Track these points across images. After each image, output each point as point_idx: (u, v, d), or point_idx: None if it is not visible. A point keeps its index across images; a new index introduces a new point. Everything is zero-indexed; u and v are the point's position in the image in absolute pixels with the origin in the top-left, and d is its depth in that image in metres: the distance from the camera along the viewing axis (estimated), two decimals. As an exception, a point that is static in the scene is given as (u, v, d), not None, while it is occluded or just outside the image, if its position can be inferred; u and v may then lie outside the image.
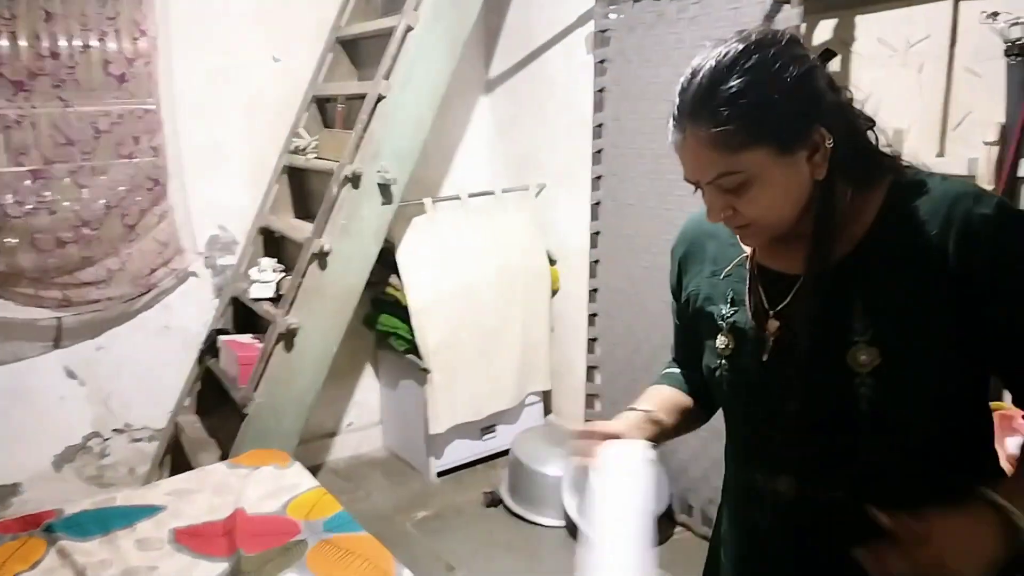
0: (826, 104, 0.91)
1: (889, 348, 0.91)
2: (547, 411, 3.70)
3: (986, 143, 2.20)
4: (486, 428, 3.46)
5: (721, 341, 1.06)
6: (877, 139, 0.99)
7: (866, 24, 2.49)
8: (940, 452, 0.97)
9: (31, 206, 2.62)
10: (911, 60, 2.40)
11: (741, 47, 0.90)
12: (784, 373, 0.99)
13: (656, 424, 1.14)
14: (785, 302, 1.00)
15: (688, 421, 1.22)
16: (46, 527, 1.95)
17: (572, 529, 2.88)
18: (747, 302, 1.04)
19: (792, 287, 1.00)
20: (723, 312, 1.07)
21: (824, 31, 2.61)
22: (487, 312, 3.31)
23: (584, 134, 3.17)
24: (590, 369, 3.30)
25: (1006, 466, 1.06)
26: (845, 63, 2.57)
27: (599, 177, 3.11)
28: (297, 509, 2.01)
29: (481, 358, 3.31)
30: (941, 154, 2.36)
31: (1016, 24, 2.11)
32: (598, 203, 3.13)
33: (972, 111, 2.28)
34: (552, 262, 3.52)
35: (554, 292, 3.55)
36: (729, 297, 1.07)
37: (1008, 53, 2.14)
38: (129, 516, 2.00)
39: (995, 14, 2.18)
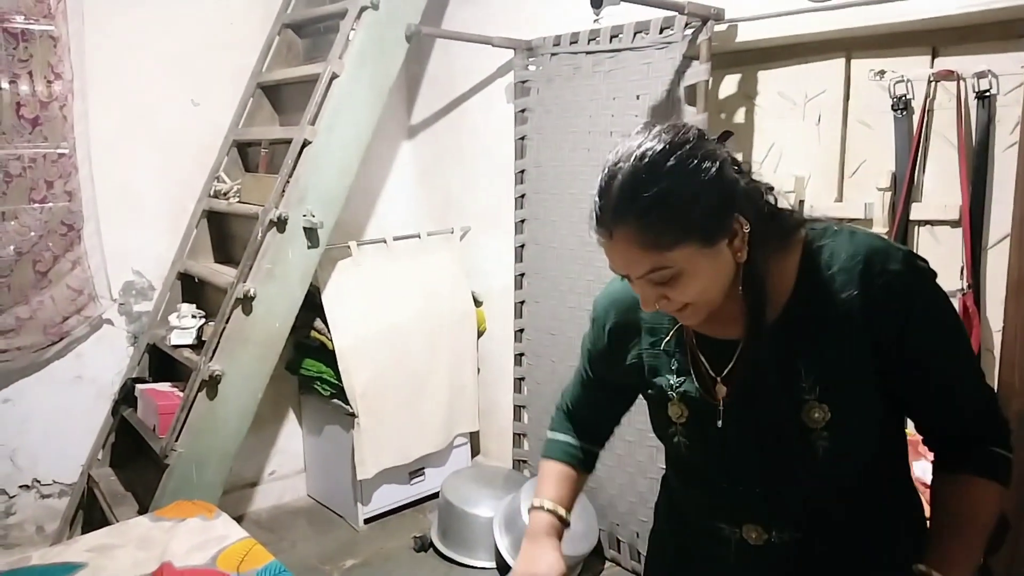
0: (738, 191, 0.97)
1: (837, 403, 1.00)
2: (475, 452, 3.71)
3: (879, 189, 2.39)
4: (414, 472, 3.45)
5: (674, 411, 1.12)
6: (776, 201, 1.06)
7: (767, 79, 2.68)
8: (876, 477, 1.07)
9: (-64, 253, 2.51)
10: (810, 112, 2.59)
11: (658, 149, 0.94)
12: (741, 434, 1.06)
13: (563, 520, 1.24)
14: (729, 367, 1.07)
15: (579, 492, 1.32)
16: (-46, 592, 1.84)
17: (503, 569, 2.89)
18: (691, 371, 1.10)
19: (731, 351, 1.07)
20: (671, 382, 1.12)
21: (730, 85, 2.79)
22: (414, 354, 3.32)
23: (507, 179, 3.26)
24: (518, 408, 3.34)
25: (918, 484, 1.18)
26: (749, 115, 2.75)
27: (523, 221, 3.20)
28: (227, 561, 1.96)
29: (409, 401, 3.31)
30: (839, 199, 2.54)
31: (900, 82, 2.33)
32: (523, 246, 3.21)
33: (866, 159, 2.47)
34: (478, 304, 3.57)
35: (480, 333, 3.60)
36: (674, 367, 1.12)
37: (894, 108, 2.35)
38: (46, 576, 1.91)
39: (882, 72, 2.39)
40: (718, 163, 0.94)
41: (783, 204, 1.07)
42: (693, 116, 2.51)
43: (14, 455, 2.89)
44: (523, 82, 3.13)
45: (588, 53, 2.86)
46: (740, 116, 2.79)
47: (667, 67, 2.60)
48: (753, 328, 1.02)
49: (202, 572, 1.92)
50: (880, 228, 2.38)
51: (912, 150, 2.30)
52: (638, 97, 2.70)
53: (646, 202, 0.92)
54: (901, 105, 2.34)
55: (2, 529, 2.90)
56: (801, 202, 2.61)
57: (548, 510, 1.23)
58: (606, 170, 0.97)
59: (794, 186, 2.62)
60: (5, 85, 2.58)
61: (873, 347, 0.99)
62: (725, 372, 1.07)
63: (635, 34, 2.70)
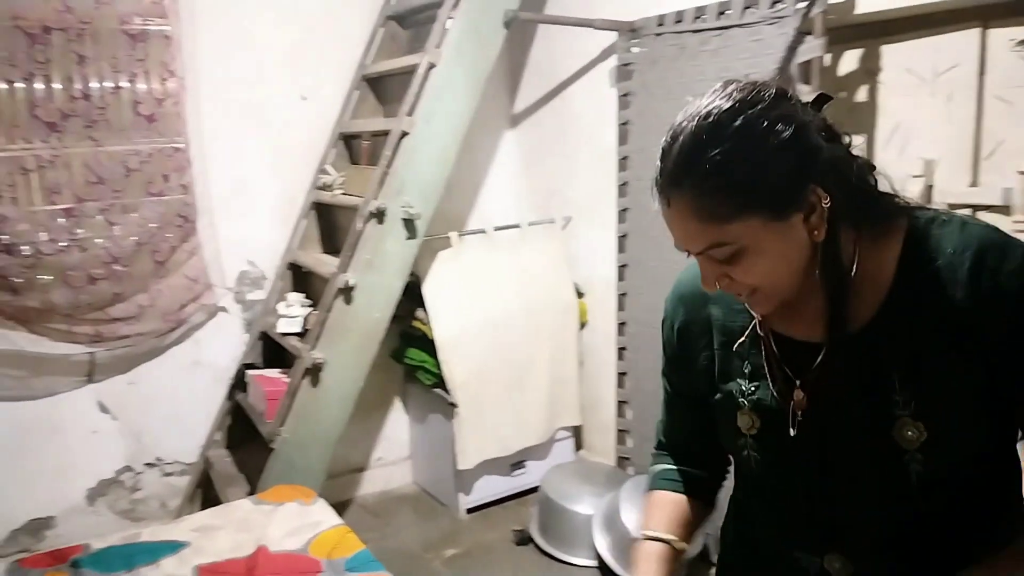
0: (821, 160, 0.85)
1: (935, 421, 0.86)
2: (578, 446, 3.65)
3: (1020, 172, 2.15)
4: (516, 464, 3.43)
5: (744, 421, 1.00)
6: (876, 183, 0.93)
7: (892, 53, 2.47)
8: (981, 506, 0.92)
9: (64, 244, 2.68)
10: (940, 89, 2.36)
11: (726, 108, 0.83)
12: (821, 451, 0.94)
13: (677, 552, 1.10)
14: (811, 372, 0.94)
15: (697, 524, 1.16)
16: (72, 562, 1.96)
17: (604, 569, 2.82)
18: (767, 375, 0.98)
19: (812, 354, 0.94)
20: (743, 388, 1.00)
21: (850, 61, 2.59)
22: (514, 346, 3.29)
23: (609, 167, 3.17)
24: (620, 404, 3.26)
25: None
26: (872, 93, 2.54)
27: (625, 209, 3.10)
28: (319, 547, 2.00)
29: (509, 392, 3.29)
30: (974, 184, 2.31)
31: (1047, 50, 2.08)
32: (624, 235, 3.12)
33: (1005, 140, 2.23)
34: (580, 295, 3.50)
35: (583, 325, 3.53)
36: (747, 371, 1.00)
37: (1039, 80, 2.10)
38: (154, 552, 2.01)
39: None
40: (794, 126, 0.83)
41: (885, 187, 0.93)
42: (807, 95, 2.34)
43: (140, 434, 3.07)
44: (626, 65, 3.02)
45: (694, 32, 2.73)
46: (862, 94, 2.58)
47: (779, 43, 2.44)
48: (833, 323, 0.90)
49: (295, 557, 1.97)
50: (1020, 215, 2.14)
51: (1059, 127, 2.06)
52: (747, 76, 2.55)
53: (705, 167, 0.82)
54: (1047, 77, 2.09)
55: (130, 504, 3.09)
56: (930, 188, 2.39)
57: (651, 538, 1.10)
58: (671, 131, 0.87)
59: (922, 170, 2.40)
60: (124, 84, 2.72)
61: (981, 357, 0.85)
62: (807, 377, 0.94)
63: (744, 9, 2.55)
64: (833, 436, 0.92)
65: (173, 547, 2.03)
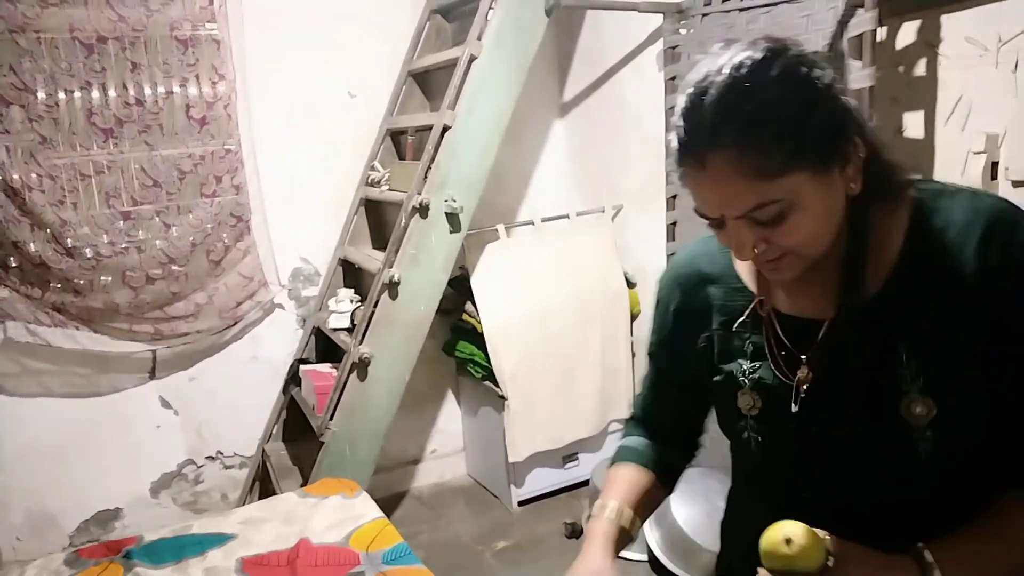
0: (856, 112, 0.82)
1: (944, 397, 0.82)
2: (631, 438, 3.59)
3: (1092, 144, 2.00)
4: (568, 456, 3.40)
5: (745, 402, 0.96)
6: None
7: (953, 23, 2.32)
8: (990, 482, 0.87)
9: (123, 246, 2.78)
10: (1005, 58, 2.21)
11: (759, 57, 0.78)
12: (822, 428, 0.89)
13: (625, 530, 1.06)
14: (817, 347, 0.90)
15: (654, 502, 1.14)
16: (125, 553, 2.03)
17: (654, 563, 2.77)
18: (768, 354, 0.94)
19: (815, 332, 0.90)
20: (744, 368, 0.96)
21: (907, 34, 2.45)
22: (565, 337, 3.26)
23: (658, 153, 3.09)
24: (671, 395, 3.19)
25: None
26: (932, 66, 2.40)
27: (674, 196, 3.02)
28: (359, 540, 2.02)
29: (560, 384, 3.26)
30: (1043, 158, 2.16)
31: (1120, 12, 1.92)
32: (674, 223, 3.04)
33: (1076, 110, 2.08)
34: (631, 285, 3.44)
35: (635, 316, 3.47)
36: (748, 351, 0.96)
37: (1114, 44, 1.95)
38: (202, 544, 2.06)
39: (1097, 2, 1.99)
40: (830, 75, 0.79)
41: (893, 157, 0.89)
42: (860, 71, 2.24)
43: (200, 428, 3.17)
44: (673, 48, 2.94)
45: (741, 10, 2.64)
46: (921, 68, 2.44)
47: (829, 17, 2.34)
48: (849, 288, 0.85)
49: (335, 550, 1.99)
50: (1094, 191, 1.99)
51: None
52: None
53: (747, 118, 0.76)
54: (1122, 41, 1.93)
55: (192, 495, 3.20)
56: (994, 164, 2.25)
57: (606, 518, 1.06)
58: (692, 88, 0.80)
59: (985, 145, 2.26)
60: (176, 89, 2.80)
61: (987, 330, 0.80)
62: (810, 353, 0.90)
63: (792, -16, 2.45)
64: (838, 414, 0.88)
65: (220, 539, 2.07)
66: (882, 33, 2.43)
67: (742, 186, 0.78)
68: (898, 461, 0.85)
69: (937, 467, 0.84)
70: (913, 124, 2.43)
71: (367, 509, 2.19)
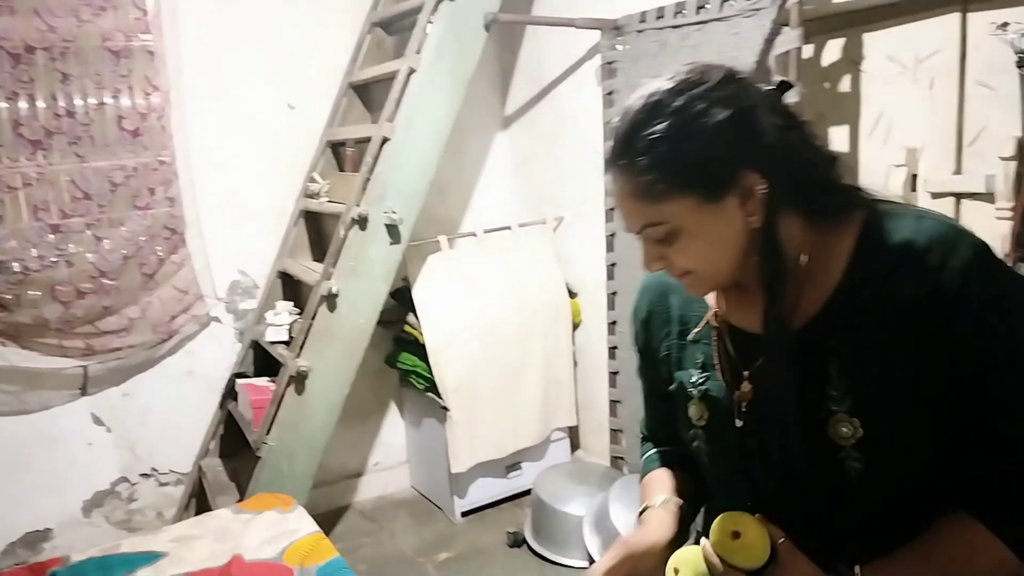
0: (763, 146, 0.84)
1: (871, 419, 0.84)
2: (574, 447, 3.63)
3: (1003, 158, 2.09)
4: (511, 466, 3.41)
5: (694, 411, 0.99)
6: (837, 174, 0.92)
7: (874, 41, 2.42)
8: (927, 505, 0.89)
9: (52, 259, 2.70)
10: (922, 76, 2.31)
11: (666, 88, 0.85)
12: (762, 446, 0.92)
13: (676, 510, 1.06)
14: (757, 364, 0.93)
15: (693, 491, 1.12)
16: (50, 575, 1.97)
17: (594, 570, 2.79)
18: (717, 366, 0.97)
19: (760, 348, 0.93)
20: (693, 379, 0.99)
21: (832, 51, 2.54)
22: (507, 348, 3.27)
23: (597, 165, 3.15)
24: (613, 403, 3.23)
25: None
26: (855, 82, 2.49)
27: (612, 208, 3.07)
28: (293, 555, 2.00)
29: (503, 395, 3.27)
30: (958, 171, 2.26)
31: (1024, 34, 2.02)
32: (612, 234, 3.09)
33: (987, 126, 2.17)
34: (573, 295, 3.47)
35: (576, 325, 3.50)
36: (699, 362, 0.99)
37: (1021, 65, 2.04)
38: (131, 563, 2.01)
39: (1005, 24, 2.08)
40: (734, 109, 0.83)
41: (848, 180, 0.93)
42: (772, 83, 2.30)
43: (134, 445, 3.09)
44: (610, 63, 3.00)
45: (674, 27, 2.70)
46: (845, 84, 2.53)
47: (756, 36, 2.40)
48: (769, 314, 0.88)
49: (269, 566, 1.96)
50: (1003, 202, 2.08)
51: (1041, 112, 2.00)
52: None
53: (642, 145, 0.85)
54: (1027, 60, 2.03)
55: (126, 514, 3.12)
56: (913, 176, 2.34)
57: (652, 505, 1.07)
58: (622, 111, 0.89)
59: (905, 158, 2.35)
60: (108, 100, 2.75)
61: (923, 354, 0.82)
62: (754, 369, 0.93)
63: (722, 3, 2.52)
64: (774, 431, 0.90)
65: (150, 558, 2.03)
66: (808, 51, 2.52)
67: (634, 205, 0.88)
68: (829, 480, 0.87)
69: (868, 487, 0.85)
70: (838, 138, 2.52)
71: (302, 524, 2.17)
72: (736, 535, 0.83)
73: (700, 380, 0.99)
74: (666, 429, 1.15)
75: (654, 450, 1.20)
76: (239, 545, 2.05)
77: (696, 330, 1.00)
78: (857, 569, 0.84)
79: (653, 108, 0.85)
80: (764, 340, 0.91)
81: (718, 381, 0.97)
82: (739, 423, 0.94)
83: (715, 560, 0.84)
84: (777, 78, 2.24)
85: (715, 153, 0.83)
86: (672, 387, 1.04)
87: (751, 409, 0.93)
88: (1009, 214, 2.06)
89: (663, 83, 0.86)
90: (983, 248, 0.83)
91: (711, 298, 1.01)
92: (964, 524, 0.83)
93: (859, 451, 0.84)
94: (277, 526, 2.15)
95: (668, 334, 1.06)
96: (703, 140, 0.83)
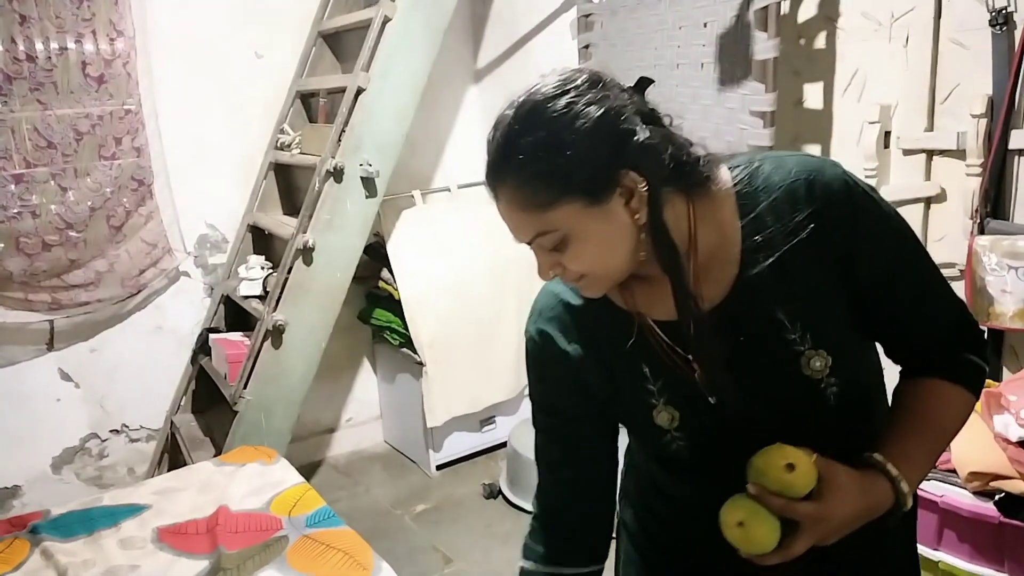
0: (633, 145, 0.85)
1: (834, 345, 0.90)
2: (546, 401, 3.67)
3: (974, 115, 2.14)
4: (485, 420, 3.45)
5: (663, 419, 0.97)
6: (694, 155, 0.93)
7: (851, -2, 2.44)
8: (876, 410, 1.00)
9: (15, 210, 2.62)
10: (897, 33, 2.34)
11: (537, 96, 0.85)
12: (745, 412, 0.93)
13: None
14: (692, 347, 0.94)
15: None
16: (32, 528, 1.96)
17: None
18: (665, 365, 0.96)
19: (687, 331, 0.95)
20: (650, 389, 0.97)
21: (809, 7, 2.56)
22: (482, 303, 3.29)
23: (572, 120, 3.14)
24: (585, 357, 3.27)
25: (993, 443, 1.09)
26: (831, 39, 2.52)
27: (587, 163, 3.08)
28: (280, 505, 2.01)
29: (477, 349, 3.29)
30: (930, 128, 2.30)
31: (999, -9, 2.06)
32: (587, 190, 3.10)
33: (960, 83, 2.22)
34: (546, 251, 3.49)
35: (549, 281, 3.52)
36: (647, 371, 0.97)
37: (993, 23, 2.08)
38: (114, 516, 2.00)
39: (979, -18, 2.13)
40: (603, 110, 0.84)
41: (698, 152, 0.93)
42: (764, 42, 2.32)
43: (103, 401, 3.05)
44: (586, 16, 2.97)
45: (653, -19, 2.69)
46: (820, 41, 2.56)
47: (735, -10, 2.40)
48: (677, 295, 0.89)
49: (256, 516, 1.97)
50: (974, 159, 2.14)
51: (1013, 70, 2.05)
52: (705, 25, 2.52)
53: (520, 156, 0.84)
54: (1001, 19, 2.06)
55: (97, 470, 3.08)
56: (887, 133, 2.39)
57: None
58: (495, 121, 0.88)
59: (879, 116, 2.39)
60: (71, 45, 2.65)
61: (836, 270, 0.91)
62: (692, 351, 0.94)
63: (701, -44, 2.51)
64: (749, 394, 0.93)
65: (133, 510, 2.02)
66: (785, 7, 2.53)
67: (522, 216, 0.87)
68: (811, 413, 0.92)
69: (846, 409, 0.93)
70: (813, 95, 2.55)
71: (287, 475, 2.18)
72: (790, 467, 0.85)
73: (658, 387, 0.96)
74: (571, 496, 1.08)
75: (531, 564, 1.09)
76: (224, 496, 2.05)
77: (632, 340, 0.97)
78: (878, 459, 0.89)
79: (526, 117, 0.85)
80: (682, 322, 0.92)
81: (675, 378, 0.95)
82: (712, 400, 0.94)
83: (775, 501, 0.84)
84: (770, 39, 2.27)
85: (594, 155, 0.83)
86: (625, 409, 1.01)
87: (717, 386, 0.94)
88: (979, 171, 2.12)
89: (533, 92, 0.86)
90: (840, 166, 0.92)
91: (621, 302, 0.98)
92: (933, 386, 0.95)
93: (834, 376, 0.91)
94: (261, 477, 2.16)
95: (597, 354, 1.00)
96: (581, 144, 0.83)
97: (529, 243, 0.89)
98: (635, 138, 0.85)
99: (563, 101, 0.84)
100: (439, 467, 3.35)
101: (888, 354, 1.01)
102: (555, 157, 0.83)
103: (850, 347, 0.93)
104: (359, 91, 2.66)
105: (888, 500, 0.88)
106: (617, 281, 0.93)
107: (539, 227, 0.86)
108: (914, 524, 1.10)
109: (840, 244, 0.90)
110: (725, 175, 0.94)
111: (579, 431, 1.06)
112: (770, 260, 0.91)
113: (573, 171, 0.83)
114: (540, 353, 1.04)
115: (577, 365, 1.01)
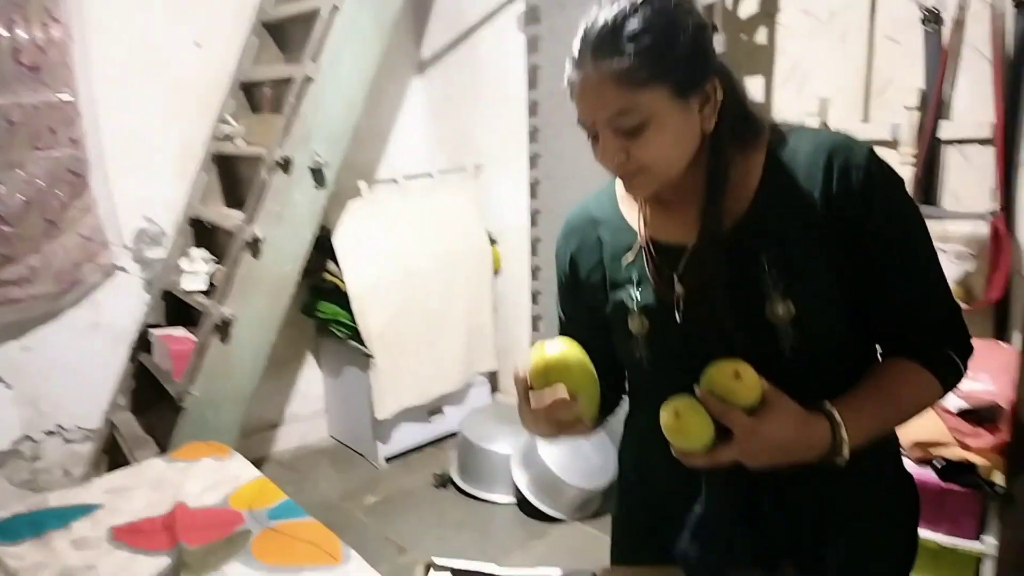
0: (718, 61, 0.96)
1: (803, 299, 0.96)
2: (494, 390, 3.70)
3: (907, 108, 2.26)
4: (433, 411, 3.45)
5: (635, 325, 1.07)
6: (754, 104, 1.04)
7: (790, -6, 2.53)
8: (845, 371, 1.03)
9: (-57, 203, 2.49)
10: (834, 29, 2.45)
11: None
12: (704, 340, 1.01)
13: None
14: (682, 266, 1.03)
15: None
16: (-26, 535, 1.87)
17: (523, 504, 2.89)
18: (650, 278, 1.06)
19: (684, 255, 1.04)
20: (632, 295, 1.08)
21: (751, 4, 2.65)
22: (429, 295, 3.29)
23: (519, 113, 3.17)
24: (534, 347, 3.31)
25: (934, 415, 1.12)
26: (772, 35, 2.61)
27: (536, 155, 3.11)
28: (240, 500, 1.97)
29: (425, 341, 3.29)
30: (865, 120, 2.42)
31: (930, -8, 2.17)
32: (536, 181, 3.14)
33: (893, 78, 2.34)
34: (493, 242, 3.51)
35: (496, 272, 3.55)
36: (634, 280, 1.08)
37: (924, 21, 2.21)
38: (63, 516, 1.92)
39: (911, -18, 2.24)
40: (702, 22, 0.94)
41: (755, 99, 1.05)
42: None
43: (37, 401, 2.92)
44: (533, 8, 3.00)
45: (599, -25, 2.73)
46: (762, 36, 2.65)
47: (681, -14, 2.46)
48: (709, 213, 0.99)
49: (215, 511, 1.93)
50: (908, 149, 2.26)
51: (942, 65, 2.17)
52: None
53: (626, 36, 0.91)
54: (931, 17, 2.19)
55: (30, 473, 2.96)
56: (824, 125, 2.49)
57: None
58: (590, 18, 0.94)
59: (817, 108, 2.50)
60: (2, 32, 2.52)
61: (836, 242, 0.97)
62: (683, 272, 1.03)
63: (648, -48, 2.56)
64: (713, 321, 1.00)
65: (84, 510, 1.95)
66: (729, 3, 2.61)
67: (610, 92, 0.92)
68: (765, 358, 0.97)
69: (800, 361, 0.98)
70: (754, 89, 2.64)
71: (243, 470, 2.14)
72: (736, 375, 0.90)
73: (638, 295, 1.07)
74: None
75: None
76: (179, 493, 2.00)
77: (629, 256, 1.08)
78: (827, 404, 0.95)
79: (634, 6, 0.92)
80: (697, 240, 1.01)
81: (653, 291, 1.06)
82: (679, 319, 1.03)
83: (714, 402, 0.91)
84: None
85: (697, 51, 0.92)
86: (610, 308, 1.11)
87: (687, 307, 1.03)
88: (913, 160, 2.24)
89: None
90: (872, 149, 0.98)
91: (634, 224, 1.10)
92: (905, 365, 1.01)
93: (794, 328, 0.97)
94: (217, 472, 2.11)
95: (600, 261, 1.13)
96: (683, 38, 0.91)
97: (604, 123, 0.94)
98: (717, 55, 0.95)
99: (671, 2, 0.92)
100: (388, 459, 3.34)
101: (877, 340, 1.06)
102: (668, 39, 0.91)
103: (821, 308, 0.97)
104: (307, 80, 2.63)
105: (825, 442, 0.93)
106: (666, 183, 0.99)
107: (624, 104, 0.92)
108: (905, 507, 1.13)
109: (847, 221, 0.95)
110: (766, 131, 1.02)
111: (575, 320, 1.20)
112: (772, 216, 0.98)
113: (673, 59, 0.91)
114: (559, 254, 1.19)
115: (581, 266, 1.15)
